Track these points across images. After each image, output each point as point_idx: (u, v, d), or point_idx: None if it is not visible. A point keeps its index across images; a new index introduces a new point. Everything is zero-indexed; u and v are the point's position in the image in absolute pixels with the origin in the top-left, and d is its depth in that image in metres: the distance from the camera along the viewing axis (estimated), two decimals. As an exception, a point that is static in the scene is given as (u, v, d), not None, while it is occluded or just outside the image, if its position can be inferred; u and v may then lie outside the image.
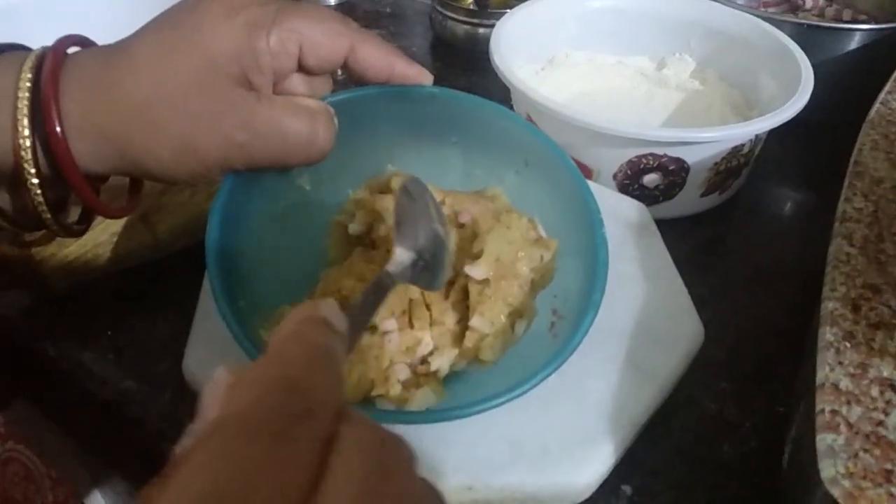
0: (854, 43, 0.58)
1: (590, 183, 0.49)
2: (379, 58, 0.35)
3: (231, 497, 0.15)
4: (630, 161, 0.48)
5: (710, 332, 0.41)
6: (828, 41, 0.58)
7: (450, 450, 0.34)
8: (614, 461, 0.35)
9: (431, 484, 0.19)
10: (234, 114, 0.32)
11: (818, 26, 0.59)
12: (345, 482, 0.16)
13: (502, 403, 0.31)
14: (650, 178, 0.49)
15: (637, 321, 0.39)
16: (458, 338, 0.37)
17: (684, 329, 0.40)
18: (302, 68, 0.34)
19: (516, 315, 0.38)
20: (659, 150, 0.47)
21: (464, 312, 0.38)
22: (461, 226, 0.39)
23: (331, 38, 0.33)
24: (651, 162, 0.48)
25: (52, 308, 0.45)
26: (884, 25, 0.58)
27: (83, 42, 0.35)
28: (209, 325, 0.39)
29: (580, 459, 0.34)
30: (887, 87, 0.46)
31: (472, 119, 0.40)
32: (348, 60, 0.35)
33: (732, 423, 0.40)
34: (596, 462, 0.34)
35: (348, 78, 0.36)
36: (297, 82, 0.35)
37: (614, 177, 0.50)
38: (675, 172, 0.49)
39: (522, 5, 0.59)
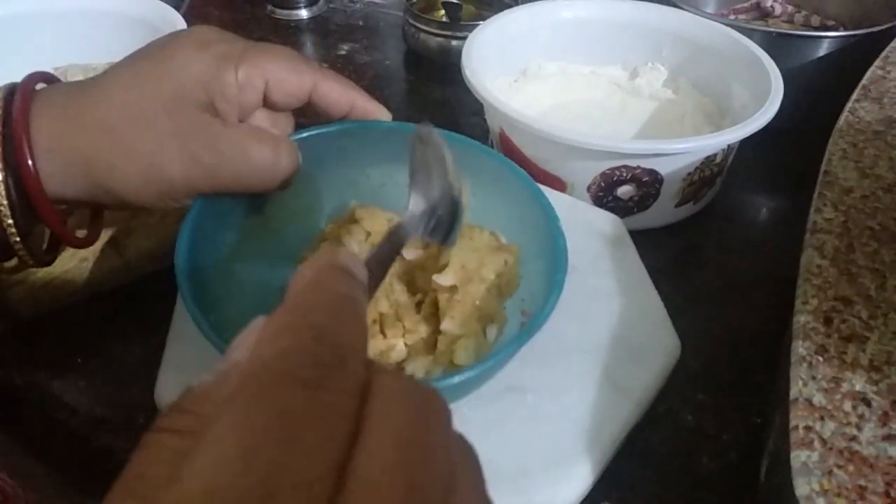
0: (823, 49, 0.58)
1: (564, 196, 0.49)
2: (340, 93, 0.37)
3: (271, 450, 0.14)
4: (603, 173, 0.48)
5: (687, 343, 0.41)
6: (797, 48, 0.59)
7: (427, 473, 0.33)
8: (594, 479, 0.35)
9: (465, 438, 0.18)
10: (200, 135, 0.33)
11: (787, 34, 0.59)
12: (386, 431, 0.15)
13: (471, 380, 0.31)
14: (624, 190, 0.49)
15: (613, 336, 0.39)
16: (432, 346, 0.38)
17: (661, 343, 0.39)
18: (267, 104, 0.36)
19: (487, 320, 0.39)
20: (632, 162, 0.47)
21: (436, 325, 0.38)
22: (426, 246, 0.40)
23: (295, 75, 0.35)
24: (624, 174, 0.48)
25: (20, 335, 0.44)
26: (851, 32, 0.58)
27: (50, 79, 0.36)
28: (181, 348, 0.38)
29: (559, 479, 0.34)
30: (854, 96, 0.47)
31: None
32: (312, 96, 0.36)
33: (711, 436, 0.40)
34: (575, 481, 0.34)
35: (310, 114, 0.38)
36: (261, 117, 0.36)
37: (588, 189, 0.50)
38: (648, 184, 0.49)
39: (493, 18, 0.59)
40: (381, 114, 0.39)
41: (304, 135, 0.39)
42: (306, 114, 0.38)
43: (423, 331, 0.38)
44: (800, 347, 0.31)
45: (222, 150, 0.33)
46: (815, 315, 0.32)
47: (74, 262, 0.43)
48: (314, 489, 0.14)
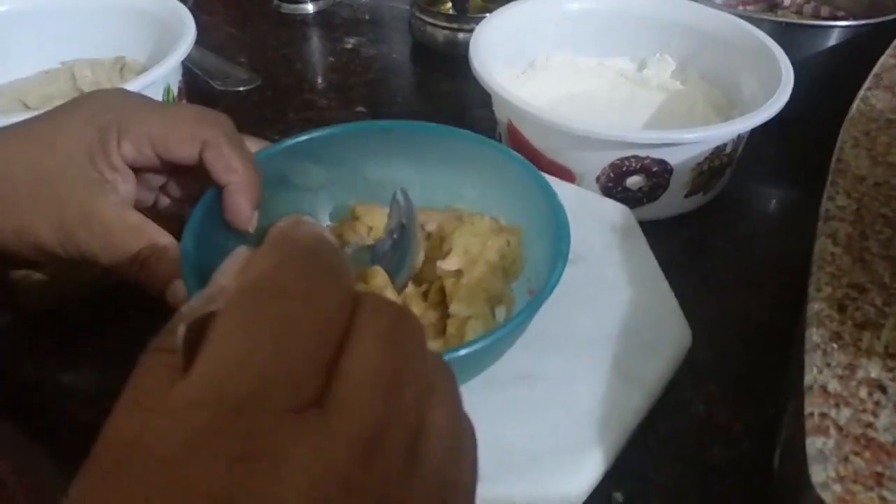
0: (832, 39, 0.58)
1: (573, 186, 0.49)
2: (220, 169, 0.35)
3: (265, 354, 0.15)
4: (613, 164, 0.48)
5: (698, 334, 0.40)
6: (806, 38, 0.58)
7: (438, 463, 0.33)
8: (605, 469, 0.34)
9: (443, 358, 0.20)
10: (74, 207, 0.34)
11: (797, 24, 0.59)
12: (371, 339, 0.17)
13: (480, 353, 0.31)
14: (633, 181, 0.49)
15: (624, 326, 0.39)
16: (442, 331, 0.38)
17: (672, 333, 0.39)
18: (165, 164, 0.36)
19: (494, 301, 0.39)
20: (641, 153, 0.47)
21: (444, 311, 0.39)
22: (428, 235, 0.41)
23: (178, 145, 0.35)
24: (634, 164, 0.48)
25: (29, 327, 0.45)
26: (861, 22, 0.58)
27: None
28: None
29: (571, 468, 0.34)
30: (866, 84, 0.46)
31: (426, 145, 0.42)
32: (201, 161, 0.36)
33: (722, 426, 0.40)
34: (587, 470, 0.34)
35: None
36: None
37: (597, 180, 0.50)
38: (658, 174, 0.49)
39: (500, 10, 0.58)
40: (245, 206, 0.36)
41: (305, 137, 0.39)
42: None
43: (431, 316, 0.38)
44: (814, 335, 0.30)
45: (93, 228, 0.34)
46: (829, 302, 0.32)
47: (83, 255, 0.43)
48: (304, 389, 0.15)
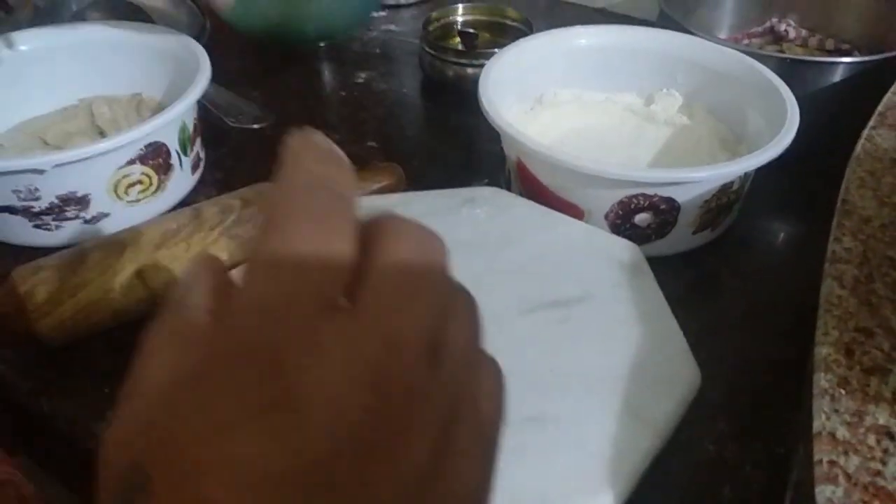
0: (838, 75, 0.59)
1: (581, 223, 0.49)
2: None
3: (290, 268, 0.16)
4: (621, 201, 0.49)
5: (707, 372, 0.41)
6: (812, 74, 0.59)
7: (450, 505, 0.34)
8: (616, 510, 0.35)
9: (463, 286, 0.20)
10: None
11: (802, 60, 0.60)
12: (395, 252, 0.18)
13: None
14: (641, 218, 0.50)
15: (634, 365, 0.39)
16: None
17: (681, 373, 0.40)
18: None
19: None
20: (649, 191, 0.48)
21: None
22: None
23: None
24: (642, 202, 0.48)
25: (47, 363, 0.45)
26: (866, 58, 0.58)
27: None
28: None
29: (581, 510, 0.34)
30: (871, 123, 0.47)
31: None
32: None
33: (732, 466, 0.40)
34: (597, 512, 0.34)
35: None
36: None
37: (606, 217, 0.50)
38: (666, 212, 0.49)
39: (509, 47, 0.59)
40: None
41: None
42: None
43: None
44: (822, 380, 0.31)
45: None
46: (836, 347, 0.32)
47: (101, 294, 0.44)
48: (327, 292, 0.17)
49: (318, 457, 0.15)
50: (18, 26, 0.62)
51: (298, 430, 0.15)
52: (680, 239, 0.52)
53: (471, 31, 0.75)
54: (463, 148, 0.66)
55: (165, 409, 0.16)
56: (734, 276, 0.53)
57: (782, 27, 0.75)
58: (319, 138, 0.20)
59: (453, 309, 0.19)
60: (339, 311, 0.17)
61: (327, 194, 0.18)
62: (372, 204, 0.52)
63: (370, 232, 0.18)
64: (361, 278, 0.17)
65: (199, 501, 0.14)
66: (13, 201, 0.50)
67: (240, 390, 0.15)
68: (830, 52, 0.72)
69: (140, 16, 0.67)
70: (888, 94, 0.50)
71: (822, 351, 0.32)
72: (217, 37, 0.74)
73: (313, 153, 0.19)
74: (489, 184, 0.60)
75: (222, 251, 0.47)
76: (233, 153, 0.64)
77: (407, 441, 0.16)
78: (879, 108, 0.48)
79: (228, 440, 0.15)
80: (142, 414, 0.17)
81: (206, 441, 0.15)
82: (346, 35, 0.69)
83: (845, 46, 0.72)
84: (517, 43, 0.60)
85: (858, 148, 0.44)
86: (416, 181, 0.59)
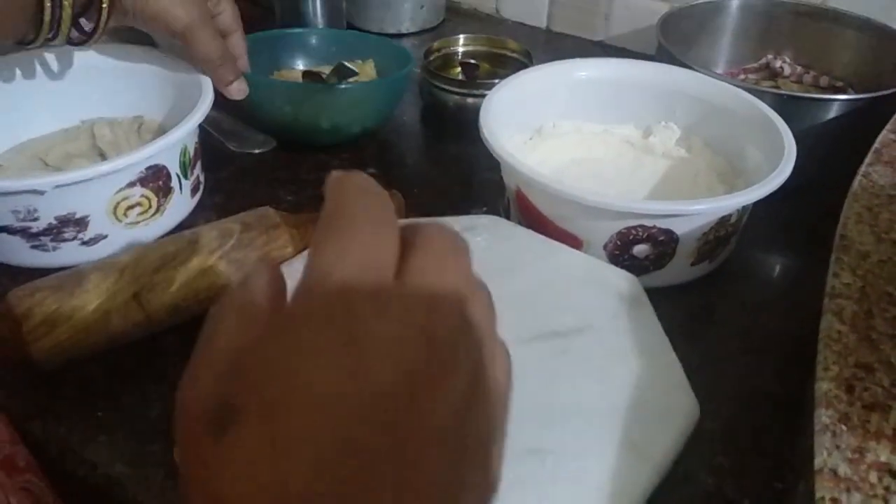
0: (833, 112, 0.60)
1: (580, 253, 0.50)
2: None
3: (355, 253, 0.20)
4: (620, 232, 0.49)
5: (705, 405, 0.41)
6: (808, 111, 0.60)
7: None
8: (614, 545, 0.34)
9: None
10: None
11: (798, 97, 0.61)
12: (428, 255, 0.21)
13: None
14: (640, 249, 0.50)
15: (632, 398, 0.39)
16: None
17: (680, 406, 0.39)
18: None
19: None
20: (648, 222, 0.48)
21: None
22: None
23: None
24: (640, 233, 0.49)
25: (41, 386, 0.45)
26: (861, 96, 0.60)
27: None
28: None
29: (580, 544, 0.34)
30: (868, 160, 0.47)
31: None
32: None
33: (731, 500, 0.40)
34: (596, 546, 0.34)
35: None
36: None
37: (605, 247, 0.50)
38: (664, 243, 0.49)
39: (510, 79, 0.60)
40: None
41: None
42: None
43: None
44: (823, 416, 0.31)
45: None
46: (836, 382, 0.32)
47: (98, 315, 0.44)
48: (383, 272, 0.21)
49: (382, 388, 0.18)
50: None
51: (367, 365, 0.18)
52: (678, 270, 0.52)
53: (472, 61, 0.76)
54: (462, 176, 0.66)
55: (249, 358, 0.19)
56: (732, 307, 0.53)
57: (778, 63, 0.76)
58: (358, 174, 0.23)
59: (475, 295, 0.22)
60: (393, 285, 0.21)
61: (376, 200, 0.22)
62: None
63: (410, 233, 0.22)
64: (406, 265, 0.21)
65: (283, 424, 0.18)
66: (11, 221, 0.50)
67: (317, 337, 0.19)
68: (825, 89, 0.73)
69: (145, 40, 0.67)
70: (884, 132, 0.50)
71: (823, 386, 0.32)
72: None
73: (357, 179, 0.23)
74: (488, 212, 0.61)
75: (221, 276, 0.47)
76: (233, 177, 0.64)
77: (449, 379, 0.20)
78: (876, 144, 0.49)
79: (306, 374, 0.18)
80: (221, 366, 0.20)
81: (288, 377, 0.18)
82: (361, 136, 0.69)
83: (839, 83, 0.73)
84: (518, 74, 0.61)
85: (856, 184, 0.45)
86: (416, 209, 0.59)
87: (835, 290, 0.37)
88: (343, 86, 0.66)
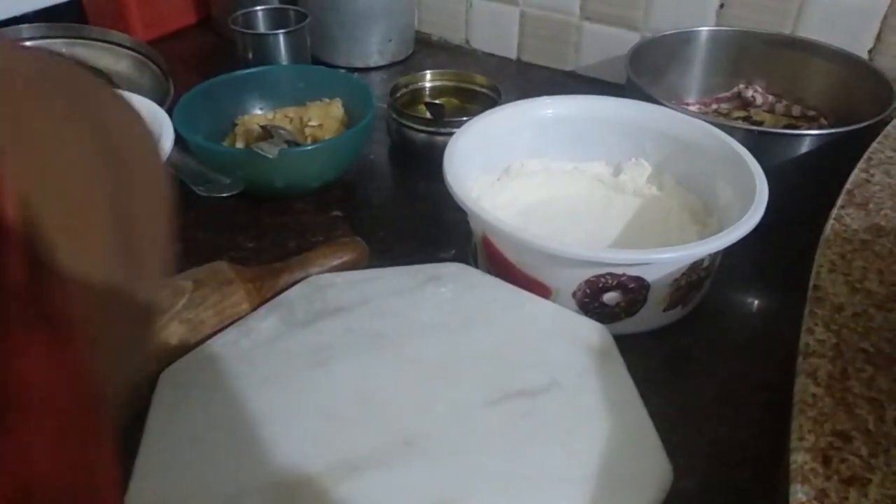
0: (805, 147, 0.58)
1: (549, 303, 0.48)
2: None
3: None
4: (588, 280, 0.47)
5: (680, 461, 0.39)
6: (779, 146, 0.59)
7: None
8: None
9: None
10: None
11: (769, 132, 0.59)
12: None
13: None
14: (610, 297, 0.48)
15: (602, 465, 0.37)
16: None
17: (652, 470, 0.38)
18: None
19: None
20: (617, 270, 0.46)
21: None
22: None
23: None
24: (610, 281, 0.47)
25: None
26: (833, 130, 0.59)
27: None
28: (156, 455, 0.37)
29: None
30: (840, 201, 0.46)
31: None
32: None
33: (709, 569, 0.38)
34: None
35: None
36: None
37: (573, 295, 0.49)
38: (635, 290, 0.48)
39: (476, 119, 0.59)
40: None
41: None
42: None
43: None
44: (799, 492, 0.29)
45: None
46: (812, 454, 0.30)
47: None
48: None
49: None
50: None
51: None
52: (650, 317, 0.50)
53: (437, 102, 0.75)
54: (430, 217, 0.65)
55: None
56: (707, 353, 0.52)
57: (749, 93, 0.75)
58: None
59: None
60: None
61: None
62: (333, 280, 0.51)
63: None
64: None
65: None
66: None
67: None
68: (797, 118, 0.72)
69: (102, 80, 0.65)
70: (855, 171, 0.49)
71: (798, 458, 0.30)
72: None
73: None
74: (456, 255, 0.59)
75: (172, 337, 0.45)
76: (193, 225, 0.62)
77: None
78: (847, 185, 0.48)
79: None
80: None
81: None
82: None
83: (811, 112, 0.73)
84: (484, 115, 0.60)
85: (828, 229, 0.43)
86: (382, 253, 0.57)
87: (809, 347, 0.36)
88: (289, 151, 0.62)
